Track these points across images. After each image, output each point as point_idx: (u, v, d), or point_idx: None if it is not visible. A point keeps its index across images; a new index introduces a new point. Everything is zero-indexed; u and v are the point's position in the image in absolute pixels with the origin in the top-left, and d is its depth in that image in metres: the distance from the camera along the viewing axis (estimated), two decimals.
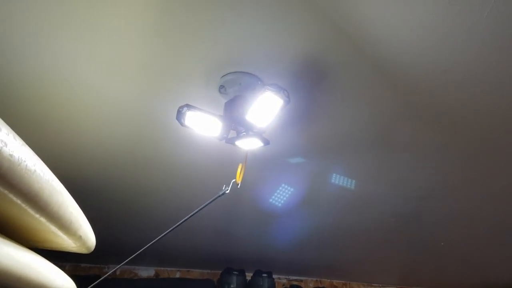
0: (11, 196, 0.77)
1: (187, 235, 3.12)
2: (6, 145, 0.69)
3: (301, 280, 4.14)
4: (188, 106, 1.54)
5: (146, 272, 3.93)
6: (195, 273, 4.03)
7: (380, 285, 4.20)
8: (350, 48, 1.48)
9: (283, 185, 2.57)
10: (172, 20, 1.41)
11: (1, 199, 0.78)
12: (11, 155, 0.70)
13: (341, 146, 2.09)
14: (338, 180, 2.42)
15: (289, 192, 2.65)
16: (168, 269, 4.01)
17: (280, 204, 2.80)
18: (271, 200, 2.74)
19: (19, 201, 0.80)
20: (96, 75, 1.67)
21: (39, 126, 1.98)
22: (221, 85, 1.68)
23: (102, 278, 1.77)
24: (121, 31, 1.45)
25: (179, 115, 1.57)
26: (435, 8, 1.29)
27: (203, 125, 1.61)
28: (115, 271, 3.83)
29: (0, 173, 0.69)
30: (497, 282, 3.92)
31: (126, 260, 1.76)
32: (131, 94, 1.78)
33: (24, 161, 0.75)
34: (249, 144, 1.73)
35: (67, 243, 1.22)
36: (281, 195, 2.69)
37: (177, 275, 3.99)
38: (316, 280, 4.18)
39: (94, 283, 1.72)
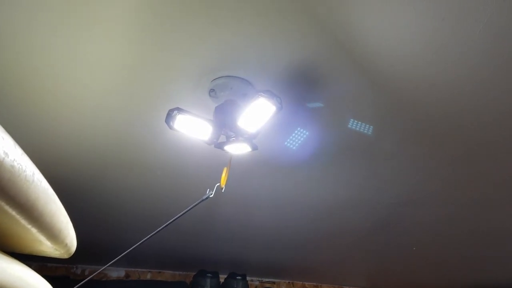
0: (6, 207, 0.72)
1: (160, 235, 3.05)
2: (7, 155, 0.64)
3: (274, 282, 4.15)
4: (179, 110, 1.50)
5: (116, 273, 3.82)
6: (167, 275, 3.96)
7: (350, 287, 4.27)
8: (343, 58, 1.48)
9: (263, 190, 2.55)
10: (163, 22, 1.37)
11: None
12: (12, 166, 0.66)
13: (327, 153, 2.10)
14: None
15: (269, 197, 2.64)
16: (139, 270, 3.92)
17: (258, 208, 2.79)
18: (249, 203, 2.72)
19: (13, 212, 0.75)
20: (84, 75, 1.61)
21: (23, 125, 1.89)
22: (211, 89, 1.64)
23: (86, 280, 1.72)
24: (110, 32, 1.40)
25: (169, 118, 1.53)
26: (429, 23, 1.31)
27: (192, 129, 1.58)
28: (83, 271, 3.72)
29: (0, 185, 0.64)
30: (465, 285, 4.06)
31: (112, 262, 1.71)
32: (118, 95, 1.72)
33: (24, 171, 0.70)
34: (238, 149, 1.70)
35: (51, 250, 1.16)
36: (261, 199, 2.68)
37: (148, 276, 3.91)
38: (289, 282, 4.20)
39: (78, 285, 1.67)
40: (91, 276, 1.82)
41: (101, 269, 2.00)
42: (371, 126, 1.89)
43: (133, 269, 3.90)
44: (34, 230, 0.88)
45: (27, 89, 1.69)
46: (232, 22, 1.36)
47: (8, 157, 0.64)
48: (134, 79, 1.63)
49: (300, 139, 2.01)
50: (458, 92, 1.60)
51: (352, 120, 1.84)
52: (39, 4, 1.30)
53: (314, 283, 4.23)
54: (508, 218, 2.64)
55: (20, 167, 0.68)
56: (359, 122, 1.84)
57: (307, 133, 1.96)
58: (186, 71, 1.59)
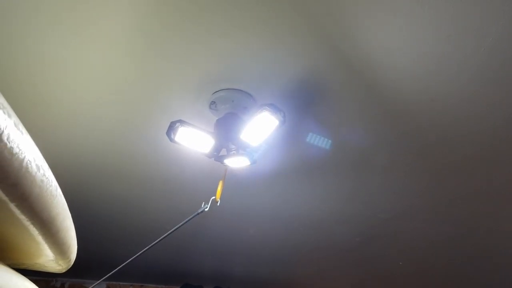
0: (28, 223, 0.69)
1: (143, 247, 2.99)
2: (39, 169, 0.62)
3: None
4: (181, 122, 1.49)
5: (97, 286, 3.71)
6: None
7: None
8: (345, 72, 1.50)
9: (250, 204, 2.54)
10: (164, 33, 1.36)
11: (17, 226, 0.70)
12: (42, 181, 0.63)
13: (322, 167, 2.10)
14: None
15: (255, 211, 2.63)
16: (121, 283, 3.82)
17: (244, 222, 2.77)
18: (234, 217, 2.70)
19: (34, 228, 0.72)
20: (83, 86, 1.58)
21: None
22: (212, 101, 1.63)
23: None
24: (111, 42, 1.38)
25: (170, 130, 1.51)
26: (434, 40, 1.34)
27: (194, 141, 1.56)
28: (63, 284, 3.60)
29: (29, 201, 0.62)
30: None
31: (107, 275, 1.65)
32: (118, 105, 1.69)
33: (51, 186, 0.68)
34: (237, 163, 1.69)
35: (52, 265, 1.12)
36: (247, 214, 2.66)
37: None
38: None
39: None
40: None
41: (94, 286, 1.94)
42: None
43: (114, 283, 3.80)
44: (46, 246, 0.85)
45: (22, 98, 1.64)
46: (234, 35, 1.36)
47: (39, 171, 0.62)
48: (133, 90, 1.61)
49: (294, 152, 2.02)
50: (453, 106, 1.64)
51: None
52: (34, 11, 1.27)
53: None
54: (496, 232, 2.70)
55: (48, 181, 0.66)
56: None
57: (300, 146, 1.96)
58: (186, 83, 1.58)
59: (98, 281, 1.76)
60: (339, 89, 1.59)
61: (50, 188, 0.68)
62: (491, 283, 3.55)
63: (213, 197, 1.80)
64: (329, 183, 2.25)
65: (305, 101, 1.67)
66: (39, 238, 0.78)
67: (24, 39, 1.38)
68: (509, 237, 2.72)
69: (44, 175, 0.64)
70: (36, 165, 0.60)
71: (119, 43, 1.40)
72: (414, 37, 1.34)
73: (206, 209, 1.75)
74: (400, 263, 3.22)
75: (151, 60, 1.47)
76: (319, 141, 1.90)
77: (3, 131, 0.47)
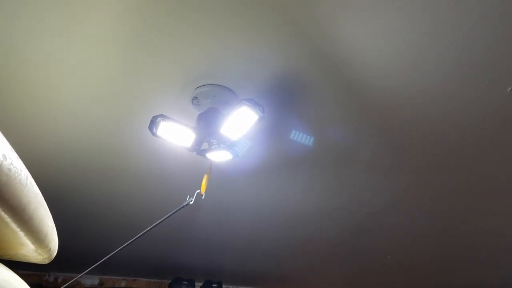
0: None
1: (135, 242, 3.03)
2: (5, 158, 0.66)
3: None
4: (163, 116, 1.52)
5: (89, 280, 3.76)
6: (142, 282, 3.92)
7: None
8: (324, 69, 1.54)
9: (239, 198, 2.58)
10: (147, 30, 1.39)
11: None
12: (9, 169, 0.67)
13: (306, 162, 2.15)
14: None
15: (245, 205, 2.67)
16: (114, 277, 3.86)
17: (234, 216, 2.81)
18: (224, 211, 2.74)
19: (5, 215, 0.76)
20: (65, 81, 1.61)
21: (1, 129, 1.86)
22: (194, 97, 1.67)
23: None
24: (95, 38, 1.41)
25: (152, 124, 1.55)
26: (410, 37, 1.38)
27: (175, 135, 1.60)
28: (56, 279, 3.64)
29: None
30: None
31: (88, 269, 1.70)
32: (100, 101, 1.72)
33: (19, 175, 0.72)
34: (219, 156, 1.73)
35: (33, 255, 1.15)
36: (237, 207, 2.70)
37: (123, 284, 3.86)
38: None
39: None
40: (65, 285, 1.80)
41: (80, 276, 1.97)
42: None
43: (107, 277, 3.84)
44: (21, 234, 0.89)
45: (6, 94, 1.67)
46: (216, 32, 1.40)
47: (6, 160, 0.65)
48: (117, 85, 1.64)
49: (278, 147, 2.05)
50: (432, 102, 1.68)
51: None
52: (20, 11, 1.30)
53: None
54: (481, 225, 2.75)
55: (16, 170, 0.70)
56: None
57: (284, 141, 2.00)
58: (169, 79, 1.61)
59: (80, 274, 1.79)
60: (318, 86, 1.63)
61: (19, 177, 0.72)
62: (476, 275, 3.61)
63: (198, 191, 1.83)
64: (313, 178, 2.29)
65: (286, 97, 1.71)
66: (13, 226, 0.82)
67: (10, 38, 1.41)
68: (492, 230, 2.77)
69: (11, 163, 0.67)
70: (3, 154, 0.64)
71: (103, 41, 1.43)
72: (390, 36, 1.38)
73: (191, 202, 1.79)
74: (388, 256, 3.27)
75: (134, 57, 1.51)
76: (301, 138, 1.94)
77: None
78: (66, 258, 3.03)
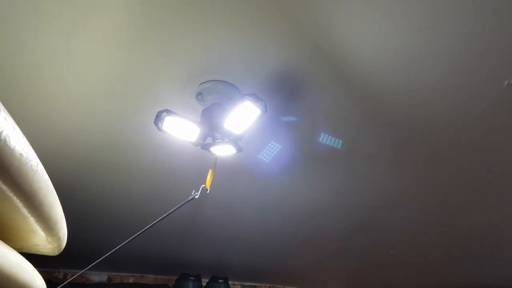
0: (11, 194, 0.77)
1: (142, 239, 3.08)
2: (17, 144, 0.70)
3: (255, 286, 4.19)
4: (168, 111, 1.56)
5: (98, 277, 3.82)
6: (149, 279, 3.97)
7: None
8: (325, 65, 1.57)
9: (245, 194, 2.61)
10: (152, 26, 1.43)
11: (0, 197, 0.78)
12: (21, 154, 0.71)
13: (308, 157, 2.18)
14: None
15: (250, 201, 2.70)
16: (122, 274, 3.92)
17: (239, 212, 2.85)
18: (230, 208, 2.78)
19: (17, 200, 0.80)
20: (71, 77, 1.65)
21: None
22: (198, 92, 1.71)
23: (66, 282, 1.75)
24: (101, 33, 1.45)
25: (157, 119, 1.59)
26: (406, 33, 1.41)
27: (180, 130, 1.64)
28: (65, 276, 3.70)
29: (10, 172, 0.70)
30: (443, 287, 4.18)
31: (89, 266, 1.74)
32: (106, 96, 1.76)
33: (30, 161, 0.76)
34: (223, 151, 1.77)
35: (43, 244, 1.20)
36: (242, 204, 2.73)
37: (131, 280, 3.92)
38: (270, 286, 4.25)
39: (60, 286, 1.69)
40: (72, 278, 1.85)
41: (83, 271, 2.01)
42: (341, 140, 1.99)
43: (115, 273, 3.90)
44: (32, 220, 0.93)
45: (13, 90, 1.72)
46: (219, 29, 1.43)
47: (18, 146, 0.69)
48: (123, 81, 1.69)
49: (281, 144, 2.09)
50: (431, 97, 1.70)
51: (323, 134, 1.93)
52: (30, 10, 1.35)
53: (295, 287, 4.29)
54: (484, 220, 2.76)
55: (27, 156, 0.74)
56: (330, 136, 1.93)
57: (288, 137, 2.04)
58: (174, 75, 1.65)
59: (89, 266, 1.83)
60: (319, 81, 1.66)
61: (30, 162, 0.76)
62: (479, 269, 3.61)
63: (203, 185, 1.87)
64: (316, 173, 2.32)
65: (287, 93, 1.74)
66: (24, 211, 0.86)
67: (21, 37, 1.46)
68: (494, 224, 2.78)
69: (23, 149, 0.71)
70: (14, 139, 0.68)
71: (109, 37, 1.47)
72: (389, 31, 1.41)
73: (196, 197, 1.82)
74: (392, 251, 3.29)
75: (140, 54, 1.55)
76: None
77: None
78: (74, 254, 3.10)
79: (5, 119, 0.63)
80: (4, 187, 0.73)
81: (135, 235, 1.92)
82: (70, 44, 1.49)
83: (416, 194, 2.48)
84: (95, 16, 1.38)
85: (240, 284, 4.17)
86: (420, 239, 3.10)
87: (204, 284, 3.60)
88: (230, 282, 3.72)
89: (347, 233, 3.05)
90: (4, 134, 0.63)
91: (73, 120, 1.92)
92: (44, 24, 1.41)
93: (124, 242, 1.94)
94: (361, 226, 2.93)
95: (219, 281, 3.53)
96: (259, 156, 2.20)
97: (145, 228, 1.95)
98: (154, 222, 1.94)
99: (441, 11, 1.32)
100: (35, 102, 1.79)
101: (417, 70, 1.56)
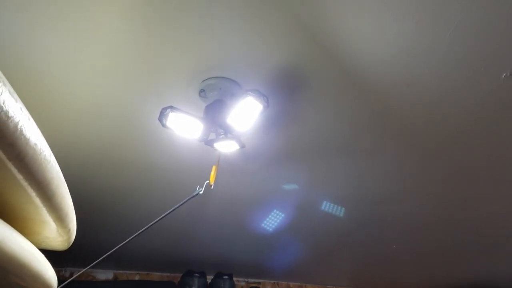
0: (26, 184, 0.81)
1: (147, 237, 3.12)
2: (32, 135, 0.74)
3: (259, 283, 4.23)
4: (172, 108, 1.60)
5: (104, 275, 3.86)
6: (155, 276, 4.02)
7: (334, 287, 4.38)
8: (327, 61, 1.60)
9: (249, 190, 2.65)
10: (156, 25, 1.47)
11: (15, 187, 0.82)
12: (35, 144, 0.75)
13: (309, 152, 2.21)
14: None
15: (254, 197, 2.74)
16: (127, 272, 3.96)
17: (244, 209, 2.89)
18: (234, 204, 2.81)
19: (31, 190, 0.84)
20: (74, 73, 1.69)
21: None
22: (201, 89, 1.75)
23: (68, 281, 1.79)
24: (104, 31, 1.49)
25: (162, 116, 1.63)
26: (404, 26, 1.44)
27: (184, 126, 1.68)
28: (71, 274, 3.75)
29: (25, 161, 0.73)
30: (445, 283, 4.20)
31: (92, 264, 1.78)
32: (109, 93, 1.80)
33: (44, 151, 0.80)
34: (226, 147, 1.80)
35: (54, 236, 1.24)
36: (246, 200, 2.77)
37: (137, 278, 3.96)
38: (274, 283, 4.29)
39: (61, 285, 1.72)
40: (77, 274, 1.88)
41: (88, 267, 2.03)
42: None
43: (121, 271, 3.94)
44: (44, 210, 0.97)
45: (17, 86, 1.76)
46: (221, 26, 1.47)
47: (32, 136, 0.73)
48: (127, 78, 1.72)
49: (282, 137, 2.12)
50: (432, 91, 1.74)
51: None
52: (40, 6, 1.39)
53: (299, 283, 4.33)
54: (492, 216, 2.79)
55: (41, 146, 0.78)
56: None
57: (288, 131, 2.07)
58: (177, 73, 1.69)
59: (88, 267, 1.87)
60: (319, 75, 1.69)
61: (44, 153, 0.80)
62: (482, 262, 3.63)
63: (207, 181, 1.91)
64: (317, 168, 2.36)
65: (289, 87, 1.78)
66: (37, 201, 0.90)
67: (34, 34, 1.50)
68: (497, 217, 2.80)
69: (37, 140, 0.75)
70: (29, 130, 0.72)
71: (113, 35, 1.51)
72: (386, 25, 1.44)
73: (201, 192, 1.85)
74: (394, 246, 3.32)
75: (144, 51, 1.59)
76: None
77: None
78: (81, 253, 3.13)
79: (21, 109, 0.67)
80: (20, 176, 0.77)
81: (140, 231, 1.95)
82: (73, 38, 1.52)
83: (417, 187, 2.51)
84: (100, 13, 1.42)
85: (245, 281, 4.20)
86: (423, 232, 3.13)
87: (209, 280, 3.64)
88: (234, 279, 3.75)
89: (350, 228, 3.08)
90: (20, 124, 0.67)
91: (76, 120, 1.96)
92: (54, 23, 1.45)
93: (130, 238, 1.97)
94: (363, 221, 2.96)
95: (224, 277, 3.57)
96: (261, 151, 2.24)
97: (150, 224, 1.98)
98: (159, 218, 1.97)
99: (439, 4, 1.35)
100: (35, 99, 1.82)
101: (416, 63, 1.60)
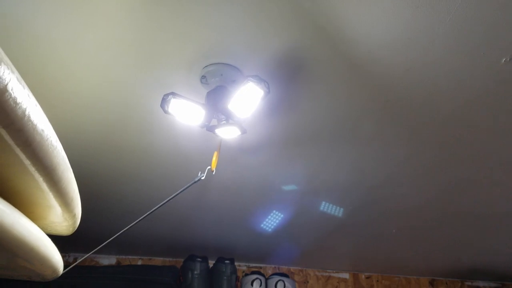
0: (33, 169, 0.83)
1: (150, 223, 3.16)
2: (40, 121, 0.75)
3: (260, 267, 4.28)
4: (173, 94, 1.61)
5: (107, 260, 3.92)
6: (157, 261, 4.07)
7: (334, 271, 4.43)
8: (327, 46, 1.61)
9: (250, 176, 2.67)
10: (157, 12, 1.47)
11: (23, 172, 0.84)
12: (42, 130, 0.77)
13: (311, 138, 2.22)
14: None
15: (255, 183, 2.76)
16: (130, 257, 4.01)
17: (245, 194, 2.91)
18: (236, 189, 2.84)
19: (38, 175, 0.86)
20: (75, 58, 1.69)
21: None
22: (202, 76, 1.76)
23: (72, 265, 1.82)
24: (105, 14, 1.49)
25: (164, 102, 1.64)
26: (404, 11, 1.45)
27: (186, 112, 1.69)
28: (75, 259, 3.80)
29: (32, 147, 0.75)
30: (443, 267, 4.26)
31: (94, 250, 1.81)
32: (110, 79, 1.81)
33: (50, 137, 0.81)
34: (228, 133, 1.82)
35: (59, 221, 1.26)
36: (247, 185, 2.79)
37: (139, 263, 4.01)
38: (274, 267, 4.34)
39: (66, 269, 1.75)
40: (81, 259, 1.91)
41: (92, 253, 2.06)
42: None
43: (124, 257, 3.99)
44: (51, 195, 0.99)
45: (21, 73, 1.77)
46: (221, 12, 1.47)
47: (39, 123, 0.75)
48: (129, 65, 1.73)
49: (283, 123, 2.14)
50: (431, 75, 1.74)
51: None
52: None
53: (300, 268, 4.38)
54: (489, 199, 2.81)
55: (48, 132, 0.80)
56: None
57: (288, 117, 2.09)
58: (179, 59, 1.70)
59: (91, 252, 1.89)
60: (320, 60, 1.70)
61: (50, 139, 0.81)
62: (489, 247, 3.67)
63: (209, 167, 1.93)
64: (317, 153, 2.37)
65: (290, 74, 1.78)
66: (44, 186, 0.92)
67: (35, 23, 1.51)
68: (491, 200, 2.83)
69: (44, 125, 0.77)
70: (36, 116, 0.74)
71: (114, 20, 1.52)
72: (385, 10, 1.44)
73: (203, 178, 1.88)
74: (394, 230, 3.36)
75: (145, 39, 1.60)
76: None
77: (8, 83, 0.60)
78: (84, 239, 3.17)
79: (28, 96, 0.69)
80: (28, 162, 0.79)
81: (142, 217, 1.98)
82: (73, 21, 1.52)
83: (420, 173, 2.53)
84: (102, 1, 1.43)
85: (246, 265, 4.26)
86: (422, 217, 3.16)
87: (211, 265, 3.69)
88: (236, 263, 3.80)
89: (348, 212, 3.10)
90: (28, 110, 0.68)
91: (78, 106, 1.97)
92: (55, 11, 1.46)
93: (132, 224, 2.00)
94: (361, 204, 2.98)
95: (226, 262, 3.61)
96: (261, 136, 2.25)
97: (153, 210, 2.00)
98: (161, 204, 2.00)
99: None
100: (35, 84, 1.83)
101: (415, 48, 1.60)
